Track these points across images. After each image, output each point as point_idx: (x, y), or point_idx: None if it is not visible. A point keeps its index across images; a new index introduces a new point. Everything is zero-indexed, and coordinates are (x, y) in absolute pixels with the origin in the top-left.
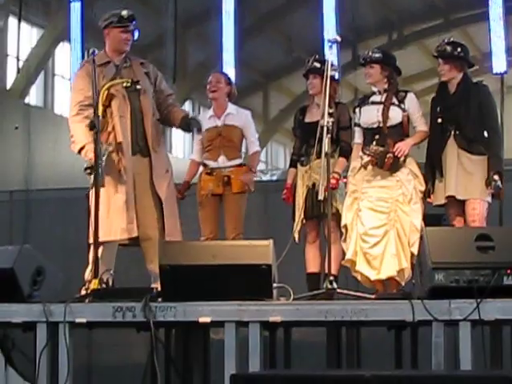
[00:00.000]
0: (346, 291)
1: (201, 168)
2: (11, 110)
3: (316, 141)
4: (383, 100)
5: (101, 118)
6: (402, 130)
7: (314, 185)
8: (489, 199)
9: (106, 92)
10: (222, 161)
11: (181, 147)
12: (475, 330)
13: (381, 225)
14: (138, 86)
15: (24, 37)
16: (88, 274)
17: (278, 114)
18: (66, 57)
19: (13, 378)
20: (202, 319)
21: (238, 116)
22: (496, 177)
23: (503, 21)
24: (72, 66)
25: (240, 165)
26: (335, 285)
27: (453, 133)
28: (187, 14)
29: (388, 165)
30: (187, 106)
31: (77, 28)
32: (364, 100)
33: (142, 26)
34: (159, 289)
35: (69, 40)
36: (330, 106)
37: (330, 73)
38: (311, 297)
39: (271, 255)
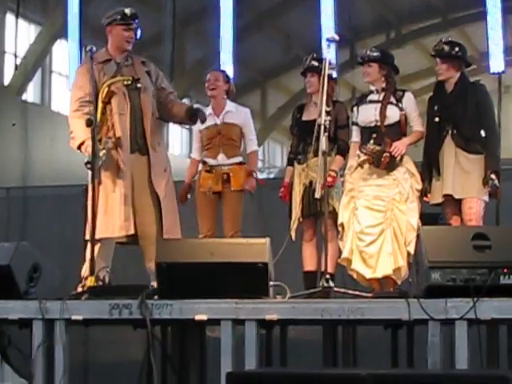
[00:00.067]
0: (342, 290)
1: (200, 166)
2: (8, 106)
3: (313, 139)
4: (381, 99)
5: (100, 114)
6: (399, 129)
7: (310, 183)
8: (486, 198)
9: (107, 89)
10: (221, 158)
11: (178, 144)
12: (471, 329)
13: (377, 223)
14: (139, 85)
15: (22, 34)
16: (84, 271)
17: (276, 112)
18: (64, 54)
19: (9, 374)
20: (198, 317)
21: (238, 114)
22: (493, 176)
23: (501, 20)
24: (70, 63)
25: (240, 163)
26: (332, 283)
27: (450, 132)
28: (185, 11)
29: (384, 164)
30: None
31: (74, 25)
32: (362, 99)
33: (140, 23)
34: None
35: (66, 37)
36: (327, 105)
37: (327, 71)
38: (308, 295)
39: (268, 253)
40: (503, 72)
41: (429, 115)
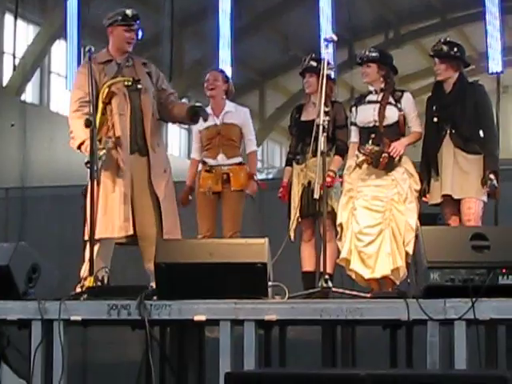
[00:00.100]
0: (341, 290)
1: (200, 166)
2: (7, 107)
3: (312, 139)
4: (380, 99)
5: (100, 115)
6: (398, 130)
7: (309, 183)
8: (484, 198)
9: (107, 89)
10: (221, 159)
11: (176, 145)
12: (470, 330)
13: (376, 224)
14: (139, 86)
15: (20, 34)
16: (84, 272)
17: (274, 113)
18: (62, 54)
19: (7, 375)
20: (197, 317)
21: (237, 114)
22: (492, 176)
23: (499, 21)
24: (68, 64)
25: (239, 163)
26: (330, 283)
27: (448, 132)
28: (184, 12)
29: (383, 164)
30: None
31: (73, 25)
32: (360, 99)
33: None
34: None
35: (65, 37)
36: (326, 105)
37: (326, 72)
38: (306, 295)
39: (266, 253)
40: (502, 72)
41: (427, 115)
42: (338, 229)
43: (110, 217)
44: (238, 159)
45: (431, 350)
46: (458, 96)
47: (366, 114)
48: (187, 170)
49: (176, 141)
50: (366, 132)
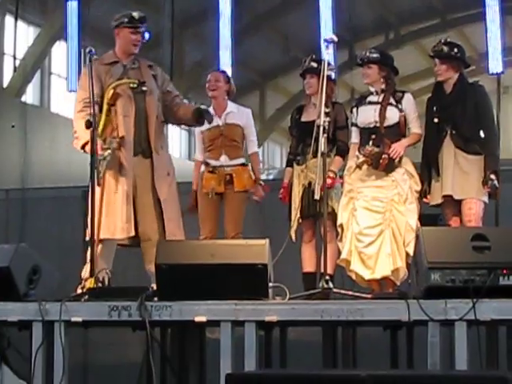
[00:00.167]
0: (341, 291)
1: (202, 167)
2: (8, 108)
3: (312, 140)
4: (380, 100)
5: (105, 116)
6: (398, 130)
7: (310, 184)
8: (485, 199)
9: (112, 91)
10: (223, 160)
11: (177, 146)
12: (471, 330)
13: (376, 224)
14: (144, 88)
15: (21, 35)
16: (85, 273)
17: (275, 113)
18: (63, 55)
19: (8, 376)
20: (197, 318)
21: (239, 114)
22: (493, 176)
23: (499, 21)
24: (68, 65)
25: (242, 164)
26: (331, 284)
27: (449, 132)
28: (184, 14)
29: (383, 166)
30: None
31: (73, 27)
32: (361, 100)
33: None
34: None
35: (65, 39)
36: (326, 106)
37: (326, 72)
38: (307, 296)
39: (267, 254)
40: (502, 73)
41: (428, 116)
42: (339, 229)
43: (112, 218)
44: (241, 160)
45: (432, 351)
46: (459, 97)
47: (366, 115)
48: (192, 172)
49: (176, 142)
50: (366, 133)
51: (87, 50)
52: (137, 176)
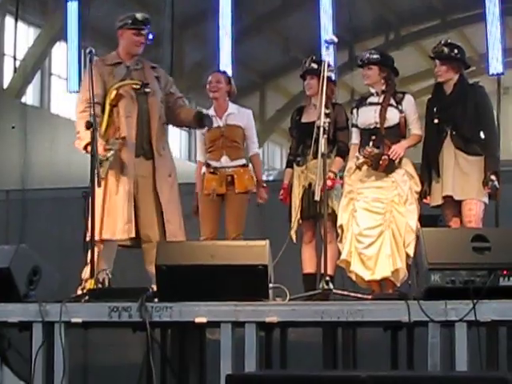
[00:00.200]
0: (342, 292)
1: (203, 168)
2: (8, 109)
3: (312, 141)
4: (381, 101)
5: (107, 116)
6: (398, 131)
7: (310, 185)
8: (485, 200)
9: (115, 92)
10: (224, 161)
11: (177, 147)
12: (471, 331)
13: (376, 225)
14: (147, 89)
15: (21, 36)
16: (85, 273)
17: (275, 114)
18: (63, 56)
19: (8, 377)
20: (198, 319)
21: (240, 115)
22: (493, 177)
23: (500, 22)
24: (69, 66)
25: (243, 165)
26: (331, 285)
27: (449, 133)
28: (184, 15)
29: (383, 167)
30: None
31: (74, 28)
32: (361, 101)
33: None
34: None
35: (65, 40)
36: (327, 107)
37: (326, 73)
38: (307, 297)
39: (267, 255)
40: (502, 73)
41: (428, 117)
42: (339, 230)
43: (113, 219)
44: (242, 161)
45: (432, 352)
46: (459, 97)
47: (367, 116)
48: (194, 174)
49: (176, 143)
50: (366, 134)
51: (87, 51)
52: (138, 177)
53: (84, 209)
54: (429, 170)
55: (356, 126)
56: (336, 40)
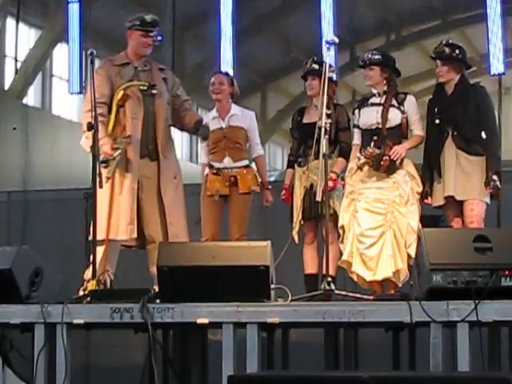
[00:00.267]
0: (343, 292)
1: (206, 169)
2: (9, 110)
3: (314, 142)
4: (383, 102)
5: (114, 116)
6: (400, 132)
7: (311, 186)
8: (487, 200)
9: (122, 92)
10: (227, 162)
11: (178, 148)
12: (473, 332)
13: (377, 226)
14: (154, 91)
15: (22, 38)
16: (87, 274)
17: (276, 115)
18: (64, 58)
19: (10, 378)
20: (199, 320)
21: (243, 117)
22: (495, 177)
23: (501, 22)
24: (70, 67)
25: (246, 166)
26: (333, 286)
27: (450, 133)
28: (185, 16)
29: (384, 167)
30: None
31: (75, 29)
32: (363, 101)
33: None
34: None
35: (67, 41)
36: (328, 107)
37: (328, 74)
38: (309, 298)
39: (269, 256)
40: (503, 74)
41: (429, 117)
42: (340, 231)
43: (116, 219)
44: (245, 162)
45: (434, 352)
46: (460, 98)
47: (368, 117)
48: (199, 176)
49: (178, 144)
50: (368, 134)
51: (88, 52)
52: (143, 178)
53: (85, 210)
54: (430, 170)
55: (357, 127)
56: (337, 41)
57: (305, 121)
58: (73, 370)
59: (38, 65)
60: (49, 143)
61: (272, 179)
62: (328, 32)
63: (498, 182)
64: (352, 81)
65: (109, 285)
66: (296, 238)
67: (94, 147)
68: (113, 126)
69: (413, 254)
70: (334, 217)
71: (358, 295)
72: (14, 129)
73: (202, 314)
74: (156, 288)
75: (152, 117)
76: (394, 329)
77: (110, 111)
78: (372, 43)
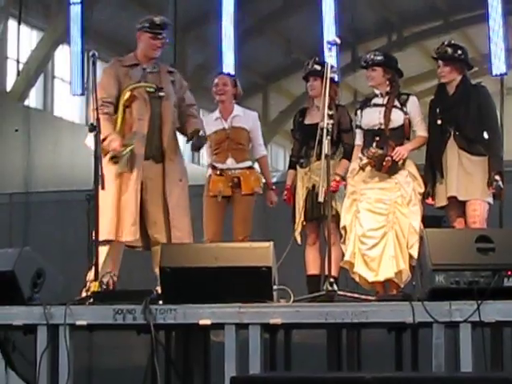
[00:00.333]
0: (346, 293)
1: (209, 170)
2: (11, 112)
3: (316, 143)
4: (385, 102)
5: (121, 117)
6: (402, 133)
7: (313, 187)
8: (490, 200)
9: (129, 93)
10: (230, 163)
11: None
12: (476, 332)
13: (379, 227)
14: (161, 93)
15: (24, 39)
16: (89, 275)
17: (278, 116)
18: (66, 59)
19: (13, 380)
20: (202, 321)
21: (246, 118)
22: (497, 177)
23: (503, 22)
24: (72, 69)
25: (249, 167)
26: (335, 287)
27: (452, 133)
28: (186, 17)
29: (386, 168)
30: None
31: (76, 31)
32: (366, 102)
33: None
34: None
35: (68, 43)
36: (330, 108)
37: (329, 75)
38: (311, 299)
39: (271, 257)
40: (505, 74)
41: (431, 118)
42: (342, 232)
43: (119, 220)
44: (248, 163)
45: (437, 353)
46: (462, 98)
47: (371, 117)
48: (205, 177)
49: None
50: (370, 135)
51: (90, 54)
52: (148, 180)
53: (88, 211)
54: (433, 171)
55: (360, 127)
56: (338, 41)
57: (306, 122)
58: (75, 371)
59: (39, 66)
60: (51, 145)
61: (274, 180)
62: (329, 33)
63: (500, 182)
64: (354, 81)
65: (111, 286)
66: (298, 239)
67: (96, 149)
68: (120, 125)
69: (415, 255)
70: (336, 218)
71: (360, 296)
72: (16, 130)
73: (204, 315)
74: (158, 289)
75: (158, 119)
76: (397, 329)
77: (116, 111)
78: (373, 44)
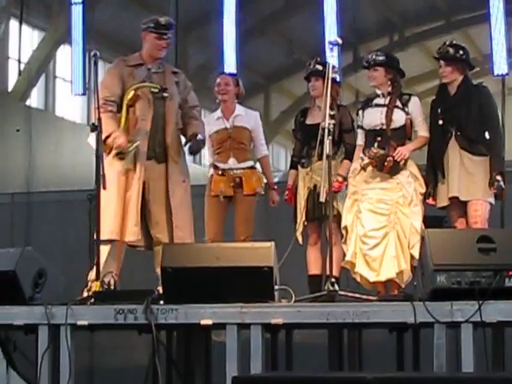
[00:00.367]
0: (347, 293)
1: (211, 170)
2: (12, 112)
3: (317, 143)
4: (387, 103)
5: (124, 117)
6: (404, 133)
7: (315, 187)
8: (491, 200)
9: (133, 92)
10: (232, 163)
11: None
12: (477, 332)
13: (381, 227)
14: (165, 94)
15: (25, 39)
16: (91, 275)
17: (279, 116)
18: (68, 59)
19: (14, 380)
20: (203, 321)
21: (247, 117)
22: (499, 177)
23: (504, 23)
24: (73, 69)
25: (251, 167)
26: (337, 287)
27: (454, 133)
28: (188, 17)
29: (387, 168)
30: None
31: (78, 30)
32: (367, 102)
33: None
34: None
35: (70, 42)
36: (331, 108)
37: (331, 75)
38: (313, 299)
39: (273, 257)
40: (507, 74)
41: (432, 118)
42: (343, 232)
43: (124, 220)
44: (250, 163)
45: (438, 353)
46: (463, 98)
47: (373, 117)
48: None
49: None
50: (372, 135)
51: (92, 54)
52: (150, 180)
53: (89, 211)
54: (434, 171)
55: (362, 128)
56: (340, 41)
57: (308, 122)
58: (77, 371)
59: (41, 66)
60: (52, 145)
61: (275, 180)
62: (331, 33)
63: (501, 183)
64: (355, 82)
65: (113, 286)
66: (300, 239)
67: (98, 148)
68: (124, 123)
69: (416, 255)
70: (338, 218)
71: (361, 296)
72: (18, 130)
73: (205, 315)
74: (160, 289)
75: (162, 119)
76: (398, 329)
77: (119, 110)
78: (375, 44)
